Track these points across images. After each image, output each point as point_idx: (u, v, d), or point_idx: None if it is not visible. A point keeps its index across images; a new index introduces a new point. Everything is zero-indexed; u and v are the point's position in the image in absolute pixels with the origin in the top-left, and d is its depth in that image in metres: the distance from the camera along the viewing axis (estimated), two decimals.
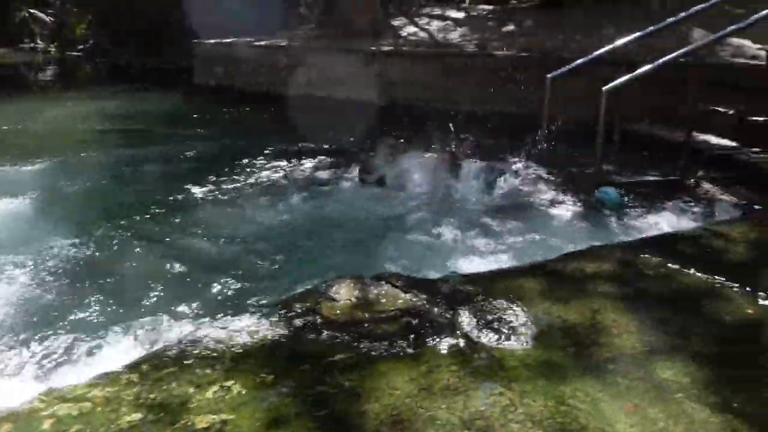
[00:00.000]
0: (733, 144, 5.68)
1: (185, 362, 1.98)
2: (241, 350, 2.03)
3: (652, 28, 6.05)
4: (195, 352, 2.06)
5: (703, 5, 6.10)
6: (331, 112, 9.18)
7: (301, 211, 4.41)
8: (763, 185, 4.82)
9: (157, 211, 4.43)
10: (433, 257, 3.21)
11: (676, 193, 4.64)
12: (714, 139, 5.93)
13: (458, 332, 1.99)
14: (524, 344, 1.93)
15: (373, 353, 1.90)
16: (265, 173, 5.64)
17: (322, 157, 6.23)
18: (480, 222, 3.88)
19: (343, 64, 9.55)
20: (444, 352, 1.86)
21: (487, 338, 1.96)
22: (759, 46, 6.86)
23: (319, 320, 2.18)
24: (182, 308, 2.82)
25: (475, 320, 2.08)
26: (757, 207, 4.42)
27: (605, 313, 2.17)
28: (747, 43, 7.14)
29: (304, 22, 13.63)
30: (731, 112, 5.93)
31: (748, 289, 2.39)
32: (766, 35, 6.20)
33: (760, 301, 2.28)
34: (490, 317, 2.11)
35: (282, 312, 2.28)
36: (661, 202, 4.45)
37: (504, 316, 2.12)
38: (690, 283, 2.48)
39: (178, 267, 3.29)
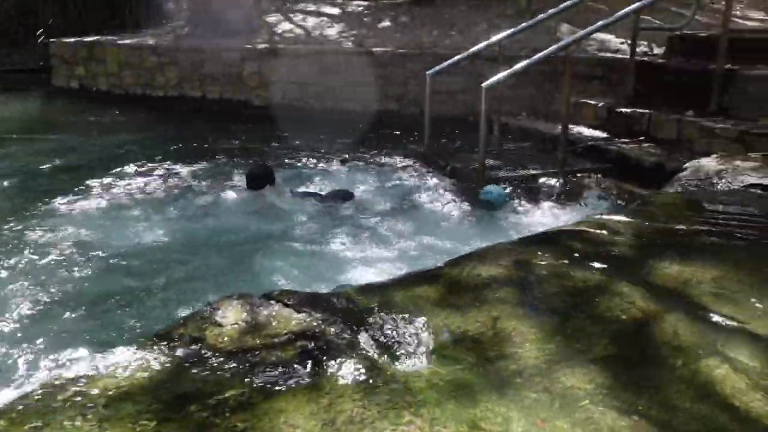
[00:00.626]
0: (604, 135, 5.94)
1: (51, 412, 1.73)
2: (116, 392, 1.80)
3: (524, 24, 6.21)
4: (62, 398, 1.80)
5: (569, 2, 6.32)
6: (205, 114, 8.80)
7: (180, 224, 4.13)
8: (634, 174, 5.06)
9: (10, 228, 3.99)
10: (324, 268, 3.07)
11: (556, 186, 4.78)
12: (586, 131, 6.18)
13: (359, 354, 1.86)
14: (428, 363, 1.83)
15: (268, 386, 1.74)
16: (136, 183, 5.26)
17: (200, 163, 5.91)
18: (369, 227, 3.79)
19: (217, 63, 9.18)
20: (345, 379, 1.73)
21: (390, 359, 1.84)
22: (621, 40, 7.23)
23: (205, 350, 1.98)
24: (45, 345, 2.51)
25: (374, 339, 1.97)
26: (631, 196, 4.63)
27: (505, 320, 2.12)
28: (611, 37, 7.51)
29: (172, 18, 13.02)
30: (601, 104, 6.20)
31: (637, 283, 2.42)
32: (626, 30, 6.51)
33: (651, 296, 2.31)
34: (390, 334, 2.00)
35: (163, 343, 2.06)
36: (544, 195, 4.56)
37: (405, 332, 2.01)
38: (582, 280, 2.49)
39: (35, 295, 2.94)
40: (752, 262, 2.65)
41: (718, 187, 3.72)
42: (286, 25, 10.45)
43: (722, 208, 3.37)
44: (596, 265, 2.63)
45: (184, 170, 5.69)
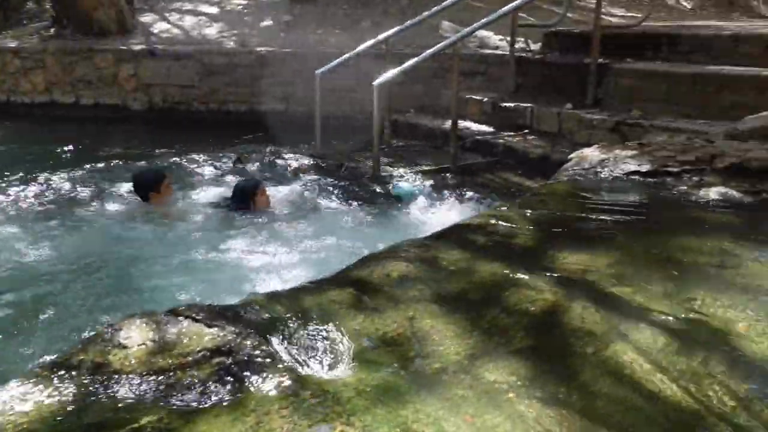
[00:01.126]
0: (491, 129, 6.13)
1: None
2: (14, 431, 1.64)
3: (410, 21, 6.30)
4: None
5: (451, 0, 6.47)
6: (79, 120, 8.30)
7: (63, 240, 3.84)
8: (522, 166, 5.27)
9: None
10: (229, 278, 2.96)
11: (450, 181, 4.88)
12: (474, 126, 6.36)
13: (280, 367, 1.80)
14: (352, 369, 1.80)
15: (187, 409, 1.64)
16: (8, 197, 4.85)
17: (79, 173, 5.55)
18: (271, 231, 3.69)
19: (89, 66, 8.67)
20: (270, 394, 1.67)
21: (313, 369, 1.80)
22: (500, 37, 7.49)
23: (111, 376, 1.85)
24: None
25: (294, 349, 1.91)
26: (520, 188, 4.81)
27: (422, 319, 2.13)
28: (490, 34, 7.77)
29: (33, 19, 12.17)
30: (485, 99, 6.40)
31: (541, 273, 2.51)
32: (503, 27, 6.75)
33: (555, 285, 2.40)
34: (309, 343, 1.95)
35: (61, 372, 1.90)
36: (439, 191, 4.64)
37: (324, 339, 1.97)
38: (490, 273, 2.54)
39: None
40: (642, 246, 2.81)
41: (602, 175, 3.91)
42: (162, 25, 10.04)
43: (608, 196, 3.55)
44: (501, 257, 2.70)
45: (61, 181, 5.32)
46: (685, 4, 11.92)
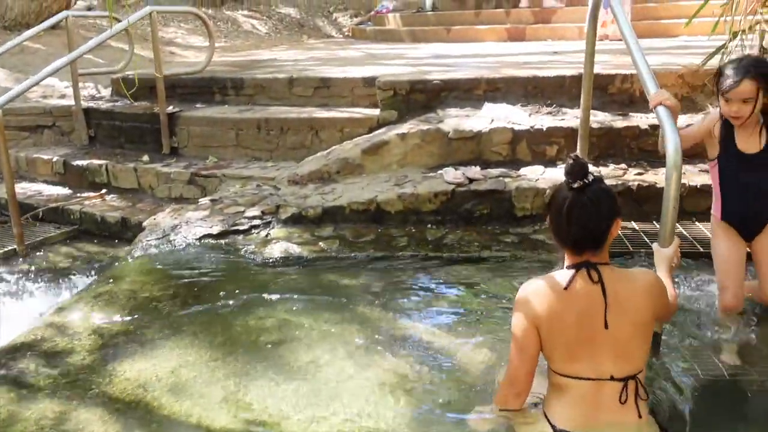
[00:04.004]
0: (67, 191, 5.58)
1: None
2: None
3: None
4: None
5: (4, 47, 5.70)
6: None
7: None
8: (102, 233, 4.88)
9: None
10: None
11: (21, 266, 4.28)
12: (47, 189, 5.72)
13: None
14: None
15: None
16: None
17: None
18: None
19: None
20: None
21: None
22: (67, 83, 6.85)
23: None
24: None
25: None
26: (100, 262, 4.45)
27: None
28: (55, 82, 7.07)
29: None
30: (56, 158, 5.81)
31: (96, 403, 2.29)
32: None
33: (110, 415, 2.20)
34: None
35: None
36: (6, 284, 4.03)
37: None
38: (35, 421, 2.22)
39: None
40: (207, 336, 2.76)
41: (176, 243, 3.82)
42: None
43: (180, 272, 3.46)
44: (52, 390, 2.39)
45: None
46: (260, 29, 12.55)
